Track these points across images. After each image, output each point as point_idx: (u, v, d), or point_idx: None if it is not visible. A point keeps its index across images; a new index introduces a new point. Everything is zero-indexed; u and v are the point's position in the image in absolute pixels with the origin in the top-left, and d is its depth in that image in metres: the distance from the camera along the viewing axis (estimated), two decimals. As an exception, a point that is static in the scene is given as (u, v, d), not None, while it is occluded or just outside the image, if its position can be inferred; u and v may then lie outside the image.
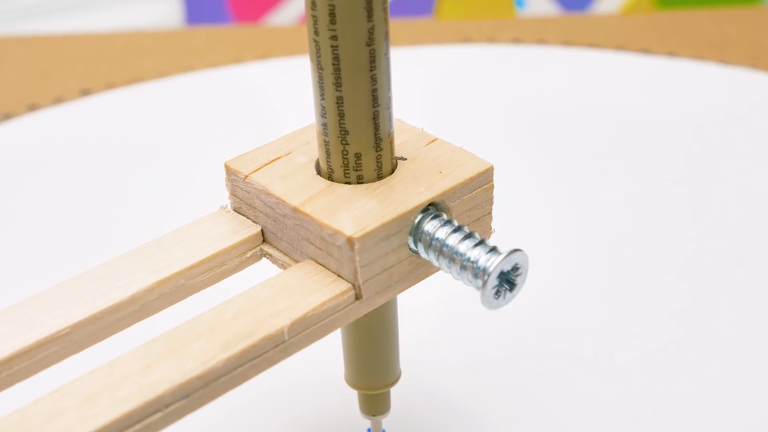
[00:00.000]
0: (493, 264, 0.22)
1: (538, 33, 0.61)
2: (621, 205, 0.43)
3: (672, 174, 0.45)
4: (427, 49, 0.59)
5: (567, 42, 0.60)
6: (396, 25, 0.62)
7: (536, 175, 0.46)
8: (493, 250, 0.22)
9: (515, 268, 0.22)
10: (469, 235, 0.23)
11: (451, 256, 0.23)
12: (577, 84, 0.54)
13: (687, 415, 0.32)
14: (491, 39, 0.60)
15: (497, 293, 0.22)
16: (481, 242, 0.23)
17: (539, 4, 1.06)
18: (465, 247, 0.22)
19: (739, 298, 0.37)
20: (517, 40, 0.60)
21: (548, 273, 0.38)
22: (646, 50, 0.58)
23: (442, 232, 0.23)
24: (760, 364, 0.34)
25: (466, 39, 0.61)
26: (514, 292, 0.23)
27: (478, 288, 0.22)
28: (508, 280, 0.22)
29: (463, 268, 0.22)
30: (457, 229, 0.23)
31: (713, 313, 0.36)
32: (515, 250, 0.22)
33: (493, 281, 0.22)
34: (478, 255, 0.22)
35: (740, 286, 0.38)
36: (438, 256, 0.23)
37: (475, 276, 0.22)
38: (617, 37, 0.60)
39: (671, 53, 0.58)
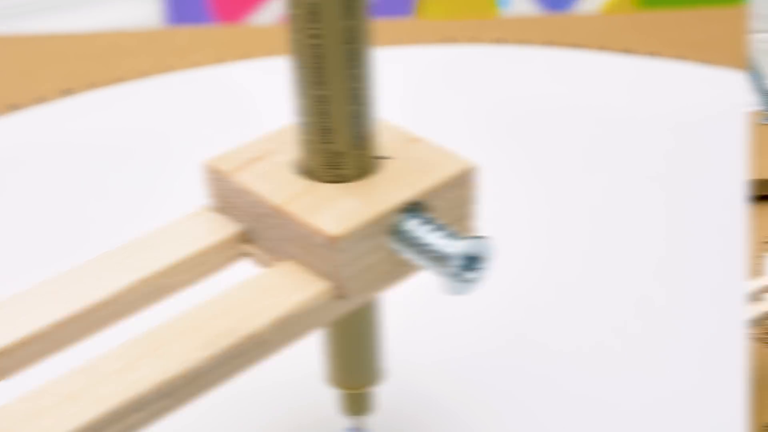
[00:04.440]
0: (456, 249, 0.22)
1: (521, 33, 0.61)
2: (603, 205, 0.43)
3: (654, 174, 0.45)
4: (409, 49, 0.59)
5: (549, 42, 0.60)
6: (377, 25, 0.62)
7: (518, 174, 0.46)
8: (460, 238, 0.23)
9: (480, 256, 0.22)
10: (450, 234, 0.23)
11: (422, 248, 0.23)
12: (560, 84, 0.54)
13: (666, 408, 0.32)
14: (473, 39, 0.60)
15: (461, 279, 0.22)
16: (447, 231, 0.23)
17: (522, 4, 1.06)
18: (433, 237, 0.22)
19: (718, 296, 0.37)
20: (499, 40, 0.60)
21: (530, 271, 0.38)
22: (628, 50, 0.58)
23: (422, 231, 0.23)
24: (739, 360, 0.34)
25: (448, 39, 0.61)
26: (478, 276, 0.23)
27: (444, 275, 0.22)
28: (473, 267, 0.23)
29: (433, 258, 0.22)
30: (438, 228, 0.23)
31: (692, 311, 0.36)
32: (477, 237, 0.22)
33: (455, 265, 0.22)
34: (443, 243, 0.22)
35: (719, 284, 0.38)
36: (419, 254, 0.23)
37: (439, 263, 0.22)
38: (599, 37, 0.61)
39: (653, 53, 0.58)
